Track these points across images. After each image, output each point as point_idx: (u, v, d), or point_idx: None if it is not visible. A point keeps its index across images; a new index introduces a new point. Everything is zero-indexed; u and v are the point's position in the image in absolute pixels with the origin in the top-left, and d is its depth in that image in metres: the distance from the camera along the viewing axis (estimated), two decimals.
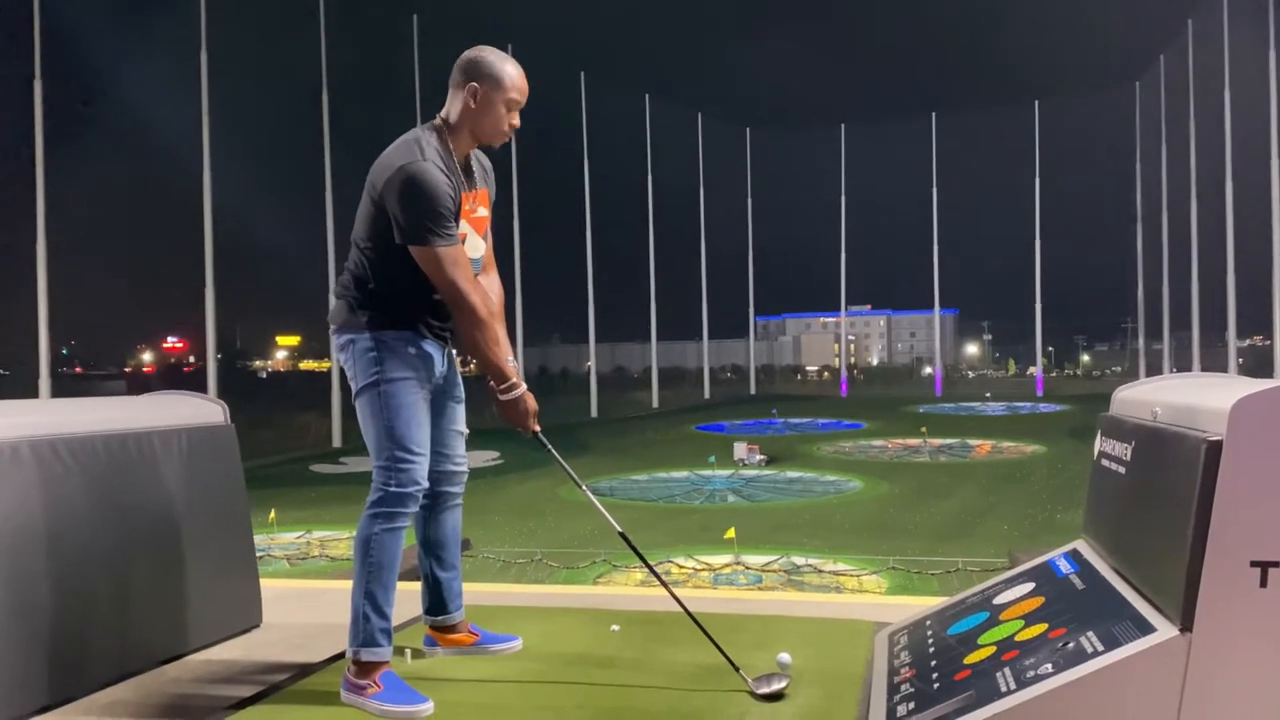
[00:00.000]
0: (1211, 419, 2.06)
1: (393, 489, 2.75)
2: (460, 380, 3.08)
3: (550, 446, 2.99)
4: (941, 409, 32.22)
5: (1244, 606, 1.96)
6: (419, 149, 2.70)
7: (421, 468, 2.79)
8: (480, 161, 2.95)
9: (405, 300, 2.78)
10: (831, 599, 6.36)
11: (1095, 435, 2.87)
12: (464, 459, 3.12)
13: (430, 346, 2.83)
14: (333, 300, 2.95)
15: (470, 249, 2.84)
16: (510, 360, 2.83)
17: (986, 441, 22.46)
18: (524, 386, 2.82)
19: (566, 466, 3.07)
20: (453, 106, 2.80)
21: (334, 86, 25.27)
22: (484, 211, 2.92)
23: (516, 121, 2.84)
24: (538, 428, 2.89)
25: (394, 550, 2.78)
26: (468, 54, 2.81)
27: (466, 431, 3.12)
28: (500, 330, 2.86)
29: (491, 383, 2.82)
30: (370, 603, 2.72)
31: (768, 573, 9.43)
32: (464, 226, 2.80)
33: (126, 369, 44.59)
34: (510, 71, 2.80)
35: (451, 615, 3.12)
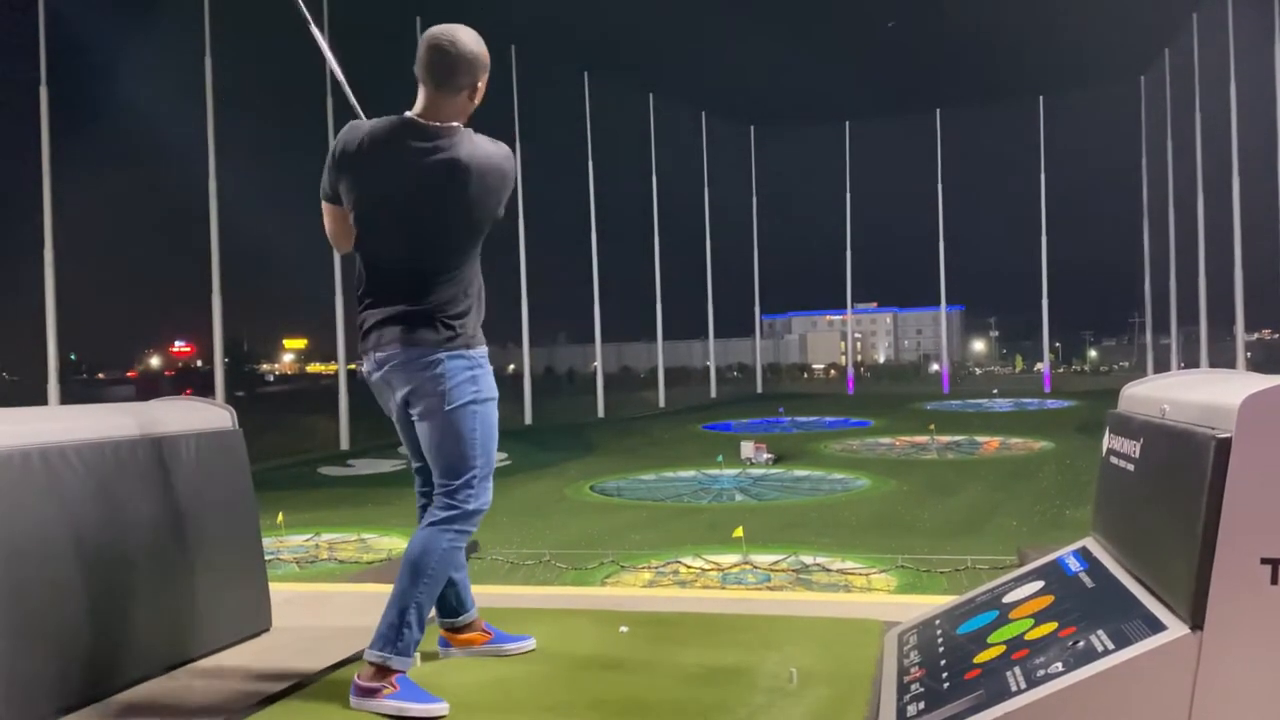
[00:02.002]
0: (1220, 415, 2.05)
1: (470, 506, 2.78)
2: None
3: None
4: (949, 406, 32.15)
5: (1255, 604, 1.95)
6: None
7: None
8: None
9: (478, 316, 2.86)
10: (840, 598, 6.36)
11: (1103, 431, 2.86)
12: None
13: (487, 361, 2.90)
14: (373, 312, 2.81)
15: None
16: None
17: (994, 438, 22.41)
18: None
19: None
20: None
21: (338, 88, 25.32)
22: None
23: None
24: None
25: (452, 566, 2.83)
26: None
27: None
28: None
29: None
30: (417, 615, 2.72)
31: (776, 572, 9.43)
32: None
33: (100, 375, 44.53)
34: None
35: (462, 617, 3.12)
